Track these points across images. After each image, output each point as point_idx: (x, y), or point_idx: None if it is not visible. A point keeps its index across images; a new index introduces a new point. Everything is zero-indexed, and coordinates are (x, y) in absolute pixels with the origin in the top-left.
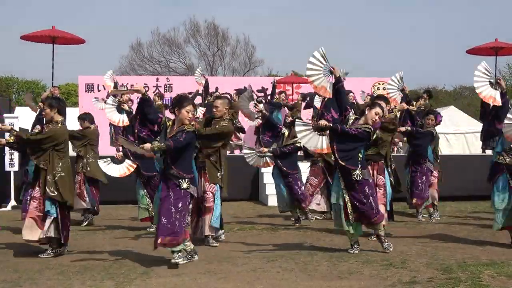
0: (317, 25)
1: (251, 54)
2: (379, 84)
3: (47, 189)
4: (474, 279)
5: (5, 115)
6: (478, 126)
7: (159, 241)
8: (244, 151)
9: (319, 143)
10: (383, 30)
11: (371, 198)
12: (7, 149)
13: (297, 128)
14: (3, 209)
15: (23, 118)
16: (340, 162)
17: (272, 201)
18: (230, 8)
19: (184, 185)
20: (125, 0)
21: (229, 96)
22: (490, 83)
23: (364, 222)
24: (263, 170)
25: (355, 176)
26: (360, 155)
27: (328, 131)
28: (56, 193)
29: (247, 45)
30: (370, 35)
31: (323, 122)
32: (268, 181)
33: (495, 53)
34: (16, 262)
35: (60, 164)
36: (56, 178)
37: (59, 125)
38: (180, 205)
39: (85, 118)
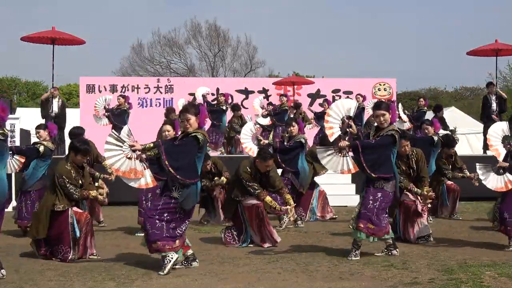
0: (318, 25)
1: (252, 55)
2: (380, 85)
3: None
4: (475, 280)
5: None
6: (479, 126)
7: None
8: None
9: (344, 165)
10: (383, 30)
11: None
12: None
13: (319, 155)
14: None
15: (24, 119)
16: (373, 175)
17: None
18: (231, 8)
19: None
20: (126, 0)
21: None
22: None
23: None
24: None
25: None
26: (391, 162)
27: (350, 150)
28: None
29: (248, 46)
30: (371, 35)
31: (343, 143)
32: None
33: (495, 54)
34: (17, 263)
35: None
36: None
37: None
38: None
39: (81, 133)
